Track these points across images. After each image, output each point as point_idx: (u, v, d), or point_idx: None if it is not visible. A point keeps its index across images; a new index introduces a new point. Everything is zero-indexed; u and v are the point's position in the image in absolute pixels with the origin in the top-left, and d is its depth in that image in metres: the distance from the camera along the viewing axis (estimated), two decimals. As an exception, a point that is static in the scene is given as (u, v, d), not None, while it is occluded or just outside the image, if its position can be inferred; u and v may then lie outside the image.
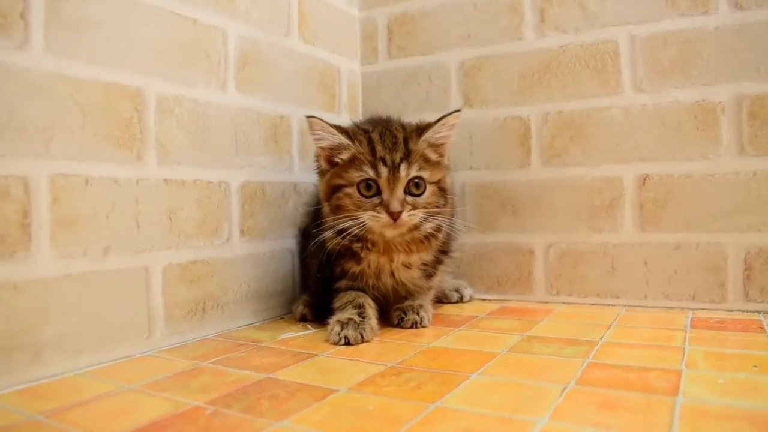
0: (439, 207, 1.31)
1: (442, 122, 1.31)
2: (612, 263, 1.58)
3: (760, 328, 1.28)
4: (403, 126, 1.34)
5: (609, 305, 1.58)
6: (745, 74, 1.44)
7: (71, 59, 1.10)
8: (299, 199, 1.62)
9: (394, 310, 1.40)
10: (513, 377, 0.98)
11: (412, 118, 1.79)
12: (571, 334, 1.27)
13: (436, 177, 1.31)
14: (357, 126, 1.35)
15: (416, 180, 1.27)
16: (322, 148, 1.31)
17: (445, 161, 1.37)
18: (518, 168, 1.66)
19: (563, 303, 1.63)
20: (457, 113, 1.33)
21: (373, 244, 1.33)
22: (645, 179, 1.53)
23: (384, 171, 1.24)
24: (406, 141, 1.28)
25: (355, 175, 1.26)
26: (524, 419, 0.80)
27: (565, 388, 0.92)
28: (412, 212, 1.25)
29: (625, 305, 1.56)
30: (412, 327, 1.36)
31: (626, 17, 1.55)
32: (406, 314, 1.38)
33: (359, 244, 1.33)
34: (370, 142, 1.28)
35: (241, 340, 1.29)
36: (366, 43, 1.94)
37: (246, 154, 1.46)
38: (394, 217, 1.22)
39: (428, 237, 1.35)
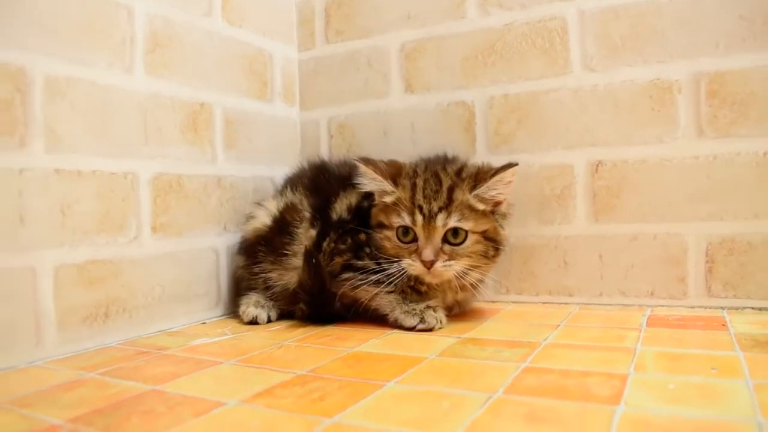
0: (487, 257, 1.26)
1: (497, 178, 1.23)
2: (564, 258, 1.46)
3: (723, 325, 1.17)
4: (459, 171, 1.27)
5: (562, 304, 1.45)
6: (702, 50, 1.33)
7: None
8: (224, 194, 1.49)
9: None
10: (434, 385, 0.86)
11: (351, 106, 1.70)
12: (513, 335, 1.15)
13: (481, 227, 1.24)
14: (409, 167, 1.30)
15: (455, 229, 1.21)
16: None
17: (503, 209, 1.29)
18: (463, 156, 1.53)
19: (513, 302, 1.51)
20: (513, 168, 1.24)
21: None
22: (597, 166, 1.41)
23: (419, 219, 1.21)
24: (451, 189, 1.23)
25: (395, 220, 1.24)
26: (430, 437, 0.67)
27: (490, 397, 0.79)
28: (448, 263, 1.21)
29: (579, 303, 1.44)
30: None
31: (574, -10, 1.43)
32: None
33: None
34: (413, 188, 1.24)
35: (146, 348, 1.16)
36: (303, 27, 1.81)
37: (158, 144, 1.32)
38: (427, 266, 1.20)
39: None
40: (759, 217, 1.28)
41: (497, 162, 1.35)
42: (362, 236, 1.30)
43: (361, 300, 1.28)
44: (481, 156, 1.53)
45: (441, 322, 1.23)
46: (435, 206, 1.20)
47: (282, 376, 0.92)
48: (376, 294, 1.26)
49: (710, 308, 1.32)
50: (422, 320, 1.22)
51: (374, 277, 1.24)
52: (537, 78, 1.48)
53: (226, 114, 1.52)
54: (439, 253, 1.20)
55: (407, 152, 1.57)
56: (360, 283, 1.26)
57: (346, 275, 1.28)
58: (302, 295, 1.30)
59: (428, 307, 1.24)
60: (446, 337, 1.15)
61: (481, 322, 1.28)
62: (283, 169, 1.66)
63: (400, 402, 0.79)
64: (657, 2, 1.36)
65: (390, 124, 1.65)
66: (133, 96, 1.28)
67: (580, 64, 1.43)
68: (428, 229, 1.20)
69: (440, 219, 1.20)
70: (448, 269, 1.21)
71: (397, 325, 1.24)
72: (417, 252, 1.21)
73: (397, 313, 1.25)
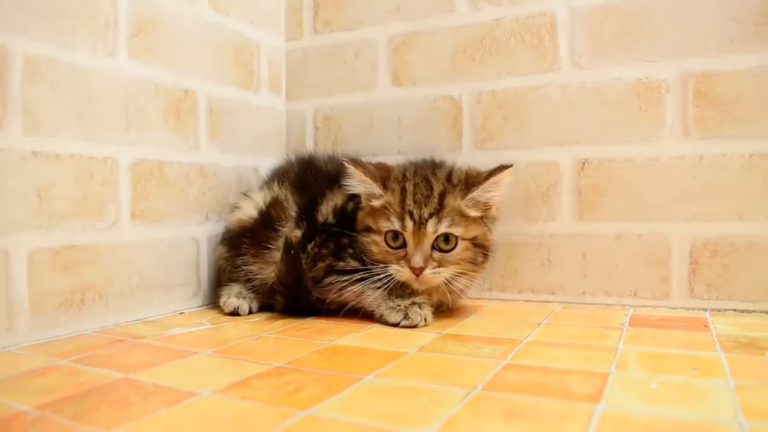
0: (475, 263, 1.24)
1: (492, 180, 1.22)
2: (548, 256, 1.45)
3: (705, 326, 1.16)
4: (448, 176, 1.26)
5: (545, 302, 1.45)
6: (691, 50, 1.32)
7: None
8: (206, 183, 1.46)
9: None
10: (412, 380, 0.84)
11: (337, 98, 1.68)
12: (494, 332, 1.14)
13: (471, 233, 1.22)
14: (398, 171, 1.28)
15: (446, 236, 1.19)
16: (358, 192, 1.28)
17: (493, 213, 1.28)
18: (449, 152, 1.52)
19: (495, 299, 1.50)
20: (509, 169, 1.22)
21: None
22: (584, 164, 1.41)
23: (409, 224, 1.19)
24: (442, 195, 1.21)
25: (384, 225, 1.21)
26: None
27: (468, 393, 0.78)
28: (437, 269, 1.19)
29: (561, 302, 1.43)
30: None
31: (565, -14, 1.42)
32: None
33: None
34: (403, 193, 1.22)
35: (121, 336, 1.14)
36: (291, 17, 1.79)
37: (140, 130, 1.30)
38: (416, 272, 1.17)
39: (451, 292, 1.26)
40: (743, 219, 1.28)
41: (482, 159, 1.35)
42: (345, 240, 1.28)
43: (349, 303, 1.26)
44: (467, 152, 1.52)
45: (426, 319, 1.20)
46: (426, 212, 1.18)
47: (258, 368, 0.91)
48: (361, 293, 1.24)
49: (692, 309, 1.32)
50: (406, 316, 1.19)
51: (358, 276, 1.22)
52: (525, 74, 1.47)
53: (211, 102, 1.50)
54: (428, 259, 1.18)
55: (393, 146, 1.57)
56: (344, 285, 1.24)
57: (329, 279, 1.26)
58: (279, 286, 1.28)
59: (413, 303, 1.22)
60: (427, 333, 1.14)
61: (463, 319, 1.27)
62: (267, 159, 1.65)
63: (377, 396, 0.78)
64: (647, 2, 1.35)
65: (376, 116, 1.64)
66: (116, 80, 1.25)
67: (568, 61, 1.42)
68: (418, 235, 1.18)
69: (431, 225, 1.18)
70: (436, 276, 1.19)
71: (383, 321, 1.22)
72: (406, 258, 1.19)
73: (382, 309, 1.22)
